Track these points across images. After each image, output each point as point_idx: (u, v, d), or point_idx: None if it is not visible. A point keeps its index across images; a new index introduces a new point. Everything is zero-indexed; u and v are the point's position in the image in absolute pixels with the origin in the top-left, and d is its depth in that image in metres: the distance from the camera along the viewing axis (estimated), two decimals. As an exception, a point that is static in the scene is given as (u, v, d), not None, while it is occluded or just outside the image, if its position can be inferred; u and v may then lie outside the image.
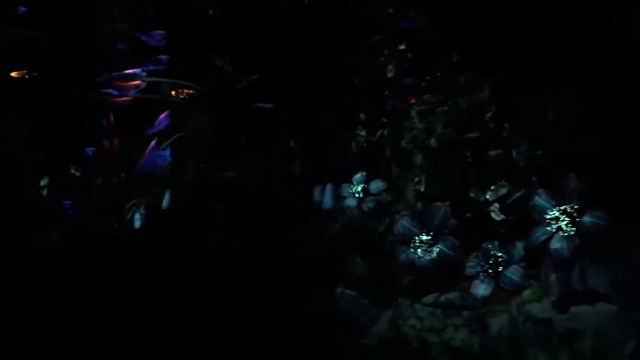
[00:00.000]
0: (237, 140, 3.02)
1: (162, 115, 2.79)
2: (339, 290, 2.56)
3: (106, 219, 2.88)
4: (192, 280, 2.66)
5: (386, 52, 2.83)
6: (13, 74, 2.93)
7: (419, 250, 2.41)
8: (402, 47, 2.79)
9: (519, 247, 2.35)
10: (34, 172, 2.86)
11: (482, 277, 2.35)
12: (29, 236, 2.74)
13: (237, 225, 2.79)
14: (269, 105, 2.96)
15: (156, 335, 2.53)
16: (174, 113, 2.82)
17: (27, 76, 2.93)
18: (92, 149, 2.93)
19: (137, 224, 2.82)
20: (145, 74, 2.77)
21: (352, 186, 2.74)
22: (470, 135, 2.53)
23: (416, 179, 2.61)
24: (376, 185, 2.72)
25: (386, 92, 2.84)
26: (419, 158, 2.64)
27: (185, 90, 2.99)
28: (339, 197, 2.76)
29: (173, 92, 2.95)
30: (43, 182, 2.86)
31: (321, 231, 2.73)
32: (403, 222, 2.46)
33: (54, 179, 2.84)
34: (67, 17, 2.96)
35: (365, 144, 2.83)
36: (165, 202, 2.82)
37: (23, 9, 2.87)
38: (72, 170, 2.89)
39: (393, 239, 2.52)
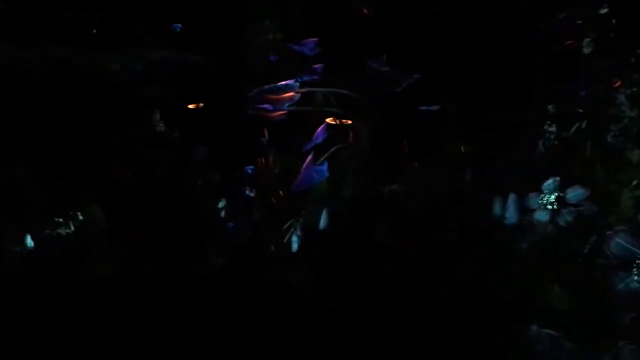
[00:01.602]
0: (399, 149, 2.91)
1: (320, 129, 2.78)
2: (533, 328, 2.27)
3: (265, 241, 2.82)
4: (354, 308, 2.55)
5: (580, 22, 2.50)
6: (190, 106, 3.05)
7: (645, 278, 2.07)
8: (604, 11, 2.29)
9: None
10: (210, 195, 2.97)
11: None
12: (195, 260, 2.76)
13: (404, 246, 2.63)
14: (435, 108, 2.82)
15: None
16: (331, 125, 2.71)
17: (199, 105, 3.04)
18: (251, 167, 2.93)
19: (295, 246, 2.81)
20: (298, 84, 2.70)
21: (542, 196, 2.43)
22: None
23: (634, 183, 2.29)
24: (575, 193, 2.39)
25: (582, 75, 2.57)
26: (635, 155, 2.31)
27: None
28: (525, 210, 2.49)
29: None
30: (221, 205, 2.94)
31: (505, 253, 2.49)
32: (619, 241, 2.13)
33: (229, 201, 2.93)
34: (220, 33, 2.99)
35: (556, 142, 2.56)
36: (323, 222, 2.78)
37: (179, 25, 2.96)
38: (247, 192, 2.96)
39: (604, 262, 2.20)
